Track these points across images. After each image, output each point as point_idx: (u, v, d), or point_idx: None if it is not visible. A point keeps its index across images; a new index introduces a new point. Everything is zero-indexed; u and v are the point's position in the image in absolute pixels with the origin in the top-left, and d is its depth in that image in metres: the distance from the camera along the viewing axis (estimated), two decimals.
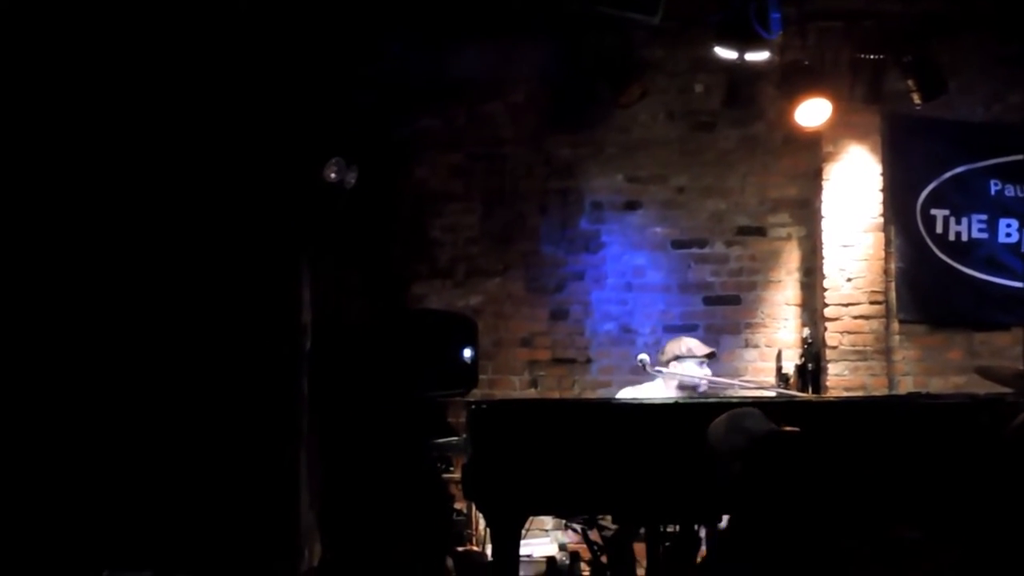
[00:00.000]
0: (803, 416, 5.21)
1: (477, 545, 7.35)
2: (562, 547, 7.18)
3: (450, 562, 6.99)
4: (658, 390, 6.91)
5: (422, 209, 8.57)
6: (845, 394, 7.89)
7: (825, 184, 8.22)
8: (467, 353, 7.48)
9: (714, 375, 7.81)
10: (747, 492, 3.97)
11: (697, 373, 6.82)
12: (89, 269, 6.60)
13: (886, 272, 8.20)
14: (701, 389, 6.83)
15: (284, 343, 7.03)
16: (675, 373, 6.81)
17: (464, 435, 6.43)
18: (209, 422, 6.63)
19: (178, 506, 6.51)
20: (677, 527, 5.68)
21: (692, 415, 5.61)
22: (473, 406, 5.66)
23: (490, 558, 5.94)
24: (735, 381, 7.66)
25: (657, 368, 6.73)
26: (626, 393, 7.02)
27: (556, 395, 8.24)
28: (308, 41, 7.02)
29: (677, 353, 6.88)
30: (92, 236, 6.63)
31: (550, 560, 6.97)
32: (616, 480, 5.16)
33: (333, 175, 7.16)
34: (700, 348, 6.90)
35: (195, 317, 6.73)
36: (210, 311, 6.74)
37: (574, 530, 6.62)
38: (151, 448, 6.54)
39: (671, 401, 6.51)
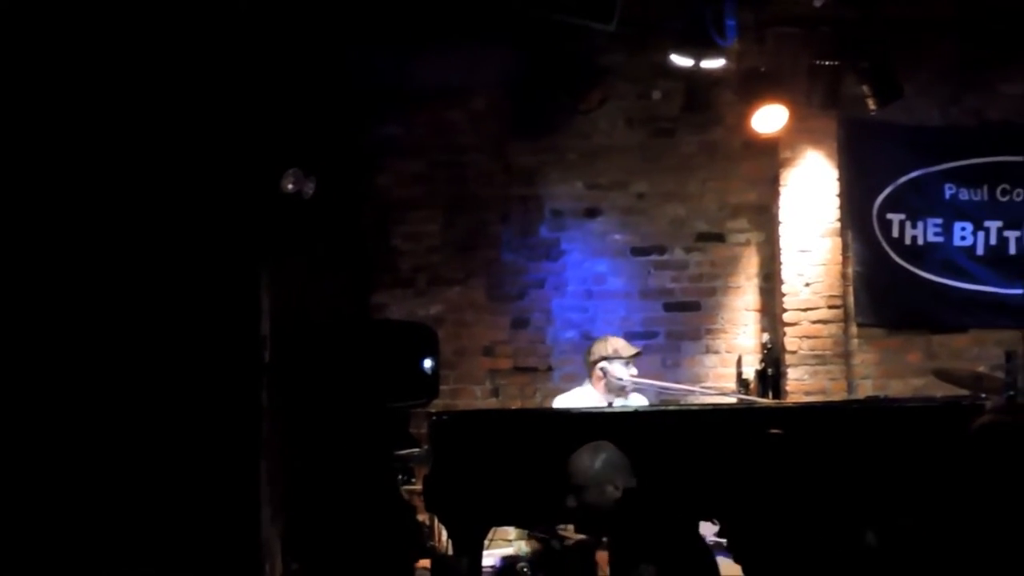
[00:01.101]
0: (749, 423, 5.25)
1: None
2: (523, 556, 7.13)
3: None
4: (588, 393, 6.90)
5: (384, 217, 8.54)
6: (805, 398, 7.90)
7: (783, 190, 8.21)
8: (428, 363, 7.41)
9: (676, 381, 7.93)
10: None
11: (623, 374, 6.81)
12: (40, 281, 6.48)
13: (844, 276, 8.19)
14: (628, 389, 6.83)
15: (243, 355, 6.89)
16: (636, 380, 6.80)
17: (425, 446, 6.42)
18: (165, 436, 6.53)
19: (134, 521, 6.41)
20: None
21: (652, 423, 5.67)
22: (434, 417, 5.67)
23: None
24: (696, 388, 7.70)
25: (616, 377, 6.71)
26: (560, 401, 7.03)
27: (518, 404, 8.24)
28: (267, 48, 6.94)
29: (604, 354, 6.88)
30: (42, 246, 6.51)
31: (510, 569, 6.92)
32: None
33: (291, 186, 7.08)
34: (626, 348, 6.91)
35: (151, 330, 6.63)
36: (167, 324, 6.64)
37: (537, 540, 6.58)
38: (105, 463, 6.43)
39: (632, 409, 6.53)
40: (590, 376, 6.91)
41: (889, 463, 5.22)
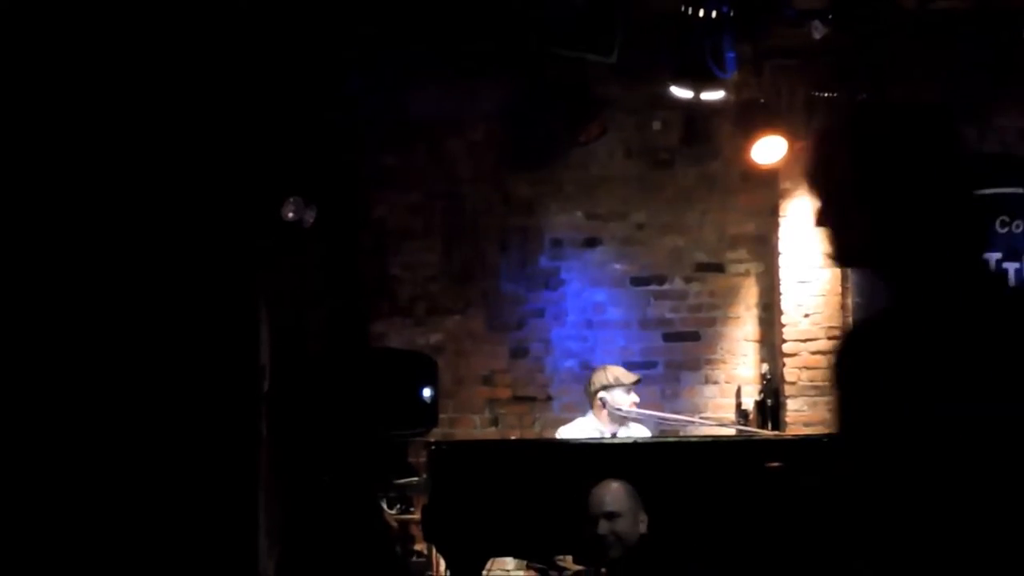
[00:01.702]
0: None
1: None
2: None
3: None
4: (590, 423, 6.87)
5: (382, 247, 8.52)
6: (804, 430, 7.86)
7: (782, 220, 8.19)
8: (427, 392, 7.41)
9: (674, 411, 7.91)
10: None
11: (624, 401, 6.78)
12: (37, 308, 6.44)
13: (843, 307, 8.14)
14: (632, 416, 6.81)
15: (242, 384, 6.90)
16: (635, 411, 6.78)
17: (424, 475, 6.39)
18: (163, 464, 6.49)
19: (131, 548, 6.36)
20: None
21: (651, 454, 5.64)
22: (433, 446, 5.64)
23: None
24: (695, 418, 7.69)
25: (615, 407, 6.68)
26: (563, 432, 6.99)
27: (517, 433, 8.21)
28: (267, 77, 6.95)
29: (604, 383, 6.85)
30: (39, 273, 6.47)
31: None
32: (576, 520, 5.06)
33: (291, 214, 7.10)
34: (626, 376, 6.88)
35: (150, 358, 6.60)
36: (166, 353, 6.62)
37: (535, 570, 6.56)
38: (103, 490, 6.39)
39: (631, 441, 6.51)
40: (591, 406, 6.87)
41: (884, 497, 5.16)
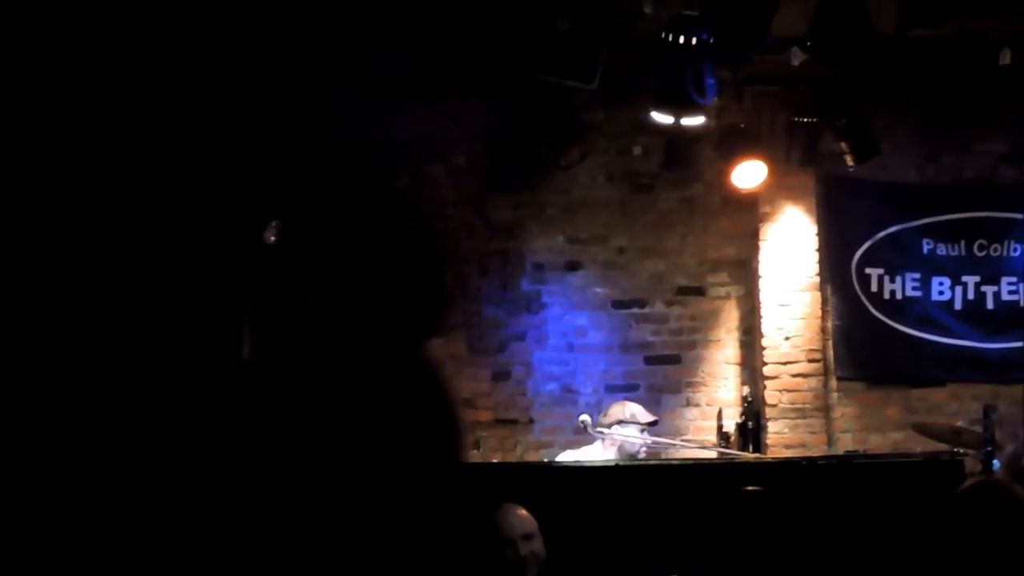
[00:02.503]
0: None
1: None
2: None
3: None
4: (597, 453, 6.83)
5: None
6: (785, 452, 7.90)
7: (762, 244, 8.25)
8: None
9: (656, 435, 7.77)
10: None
11: (637, 440, 6.71)
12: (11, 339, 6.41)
13: (823, 330, 8.24)
14: (641, 455, 6.75)
15: (223, 407, 6.88)
16: (616, 435, 6.75)
17: None
18: (143, 491, 6.48)
19: (113, 557, 6.33)
20: None
21: (638, 478, 5.63)
22: None
23: None
24: (676, 441, 7.67)
25: (598, 429, 6.68)
26: (567, 456, 6.96)
27: (499, 456, 8.17)
28: (250, 99, 6.97)
29: (620, 418, 6.78)
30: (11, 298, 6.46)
31: None
32: (563, 544, 5.00)
33: (273, 238, 7.09)
34: (644, 415, 6.80)
35: (131, 382, 6.59)
36: (146, 376, 6.62)
37: None
38: (73, 532, 6.36)
39: (612, 463, 6.48)
40: (603, 437, 6.78)
41: (867, 521, 5.20)
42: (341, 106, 7.69)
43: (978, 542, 3.57)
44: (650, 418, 6.84)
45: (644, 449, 6.74)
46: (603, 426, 6.82)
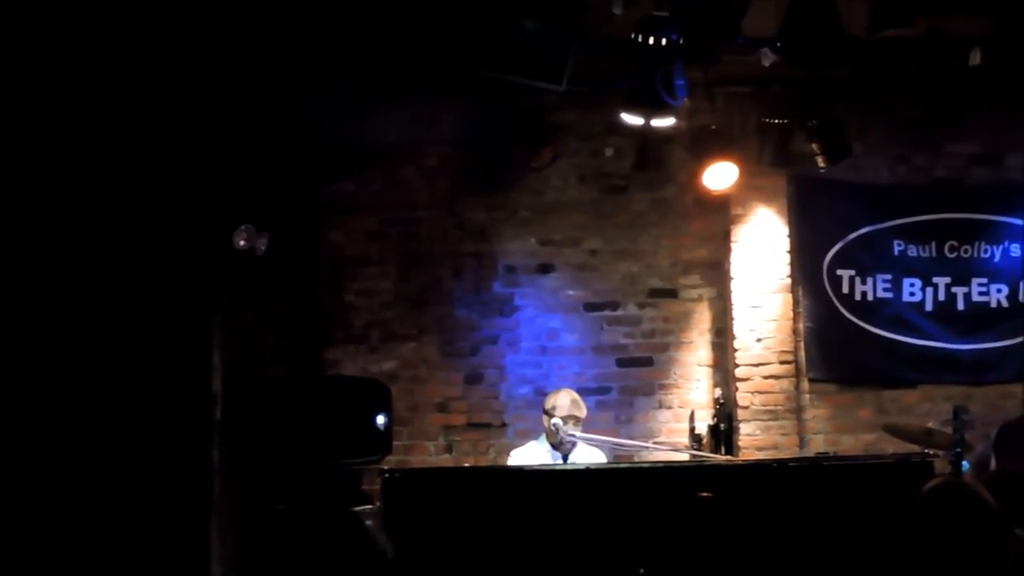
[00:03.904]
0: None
1: None
2: None
3: None
4: (541, 447, 6.83)
5: (337, 273, 8.48)
6: (757, 454, 7.89)
7: (734, 246, 8.25)
8: (381, 420, 7.41)
9: (629, 437, 7.96)
10: None
11: (563, 431, 6.59)
12: None
13: (795, 332, 8.23)
14: (567, 442, 6.65)
15: (194, 412, 6.84)
16: (594, 438, 6.74)
17: (378, 503, 6.34)
18: (117, 493, 6.41)
19: None
20: None
21: (608, 481, 5.59)
22: (386, 474, 5.56)
23: None
24: (648, 443, 7.68)
25: (570, 434, 6.64)
26: (513, 456, 6.95)
27: (472, 460, 8.17)
28: (220, 101, 6.91)
29: (545, 407, 6.82)
30: None
31: None
32: (534, 548, 5.09)
33: (243, 242, 7.05)
34: (564, 408, 6.71)
35: (101, 386, 6.51)
36: (117, 382, 6.54)
37: None
38: (51, 522, 6.29)
39: (587, 467, 6.44)
40: (574, 441, 6.71)
41: (837, 522, 5.18)
42: (313, 109, 7.67)
43: (941, 542, 3.57)
44: (571, 413, 6.72)
45: (574, 439, 6.61)
46: (544, 411, 6.81)
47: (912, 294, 8.30)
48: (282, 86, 7.31)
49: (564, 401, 6.76)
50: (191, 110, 6.80)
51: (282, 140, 7.70)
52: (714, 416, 8.07)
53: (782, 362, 8.13)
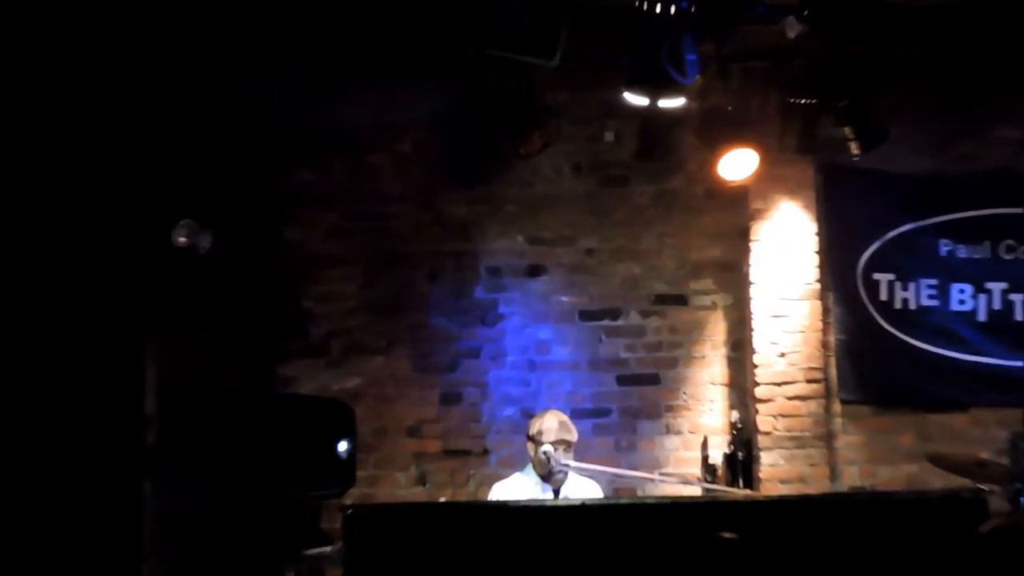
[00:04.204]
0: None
1: None
2: None
3: None
4: (528, 480, 6.82)
5: (294, 276, 8.51)
6: (781, 487, 7.87)
7: (753, 245, 8.24)
8: (342, 446, 7.37)
9: (631, 467, 7.98)
10: None
11: (553, 457, 6.57)
12: None
13: (824, 346, 8.21)
14: (557, 473, 6.67)
15: (123, 438, 6.76)
16: (590, 468, 6.72)
17: (339, 543, 6.31)
18: (30, 535, 6.32)
19: None
20: None
21: (607, 519, 5.54)
22: (349, 510, 5.50)
23: None
24: (653, 475, 7.60)
25: (564, 463, 6.59)
26: (496, 490, 6.94)
27: (448, 494, 8.17)
28: (156, 78, 6.86)
29: (530, 432, 6.82)
30: None
31: None
32: None
33: (183, 239, 7.03)
34: (553, 432, 6.70)
35: (11, 407, 6.43)
36: (32, 402, 6.46)
37: None
38: None
39: (583, 503, 6.39)
40: (565, 471, 6.72)
41: (874, 570, 5.11)
42: (268, 87, 7.65)
43: None
44: (562, 436, 6.70)
45: (564, 467, 6.59)
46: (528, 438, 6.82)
47: (962, 302, 8.28)
48: (231, 61, 7.27)
49: (551, 424, 6.74)
50: (118, 85, 6.75)
51: (230, 122, 7.68)
52: (730, 443, 8.06)
53: (809, 380, 8.10)
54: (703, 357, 8.42)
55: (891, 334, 8.24)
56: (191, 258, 7.10)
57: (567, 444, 6.69)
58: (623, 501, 6.67)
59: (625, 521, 5.50)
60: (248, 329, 8.27)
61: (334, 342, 8.44)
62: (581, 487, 6.83)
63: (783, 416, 8.07)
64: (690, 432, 8.30)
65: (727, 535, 4.55)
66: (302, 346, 8.41)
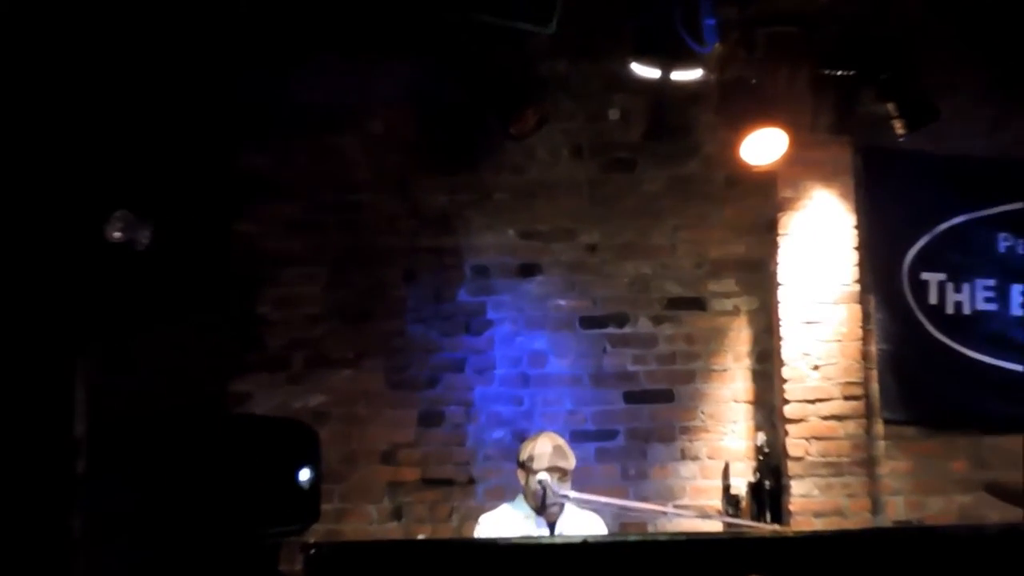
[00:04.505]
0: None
1: None
2: None
3: None
4: (518, 513, 6.76)
5: (249, 277, 8.46)
6: (814, 522, 7.84)
7: (782, 240, 8.23)
8: (304, 475, 7.29)
9: (640, 498, 8.01)
10: None
11: (551, 488, 6.51)
12: None
13: (865, 357, 8.19)
14: (554, 510, 6.63)
15: (49, 466, 6.80)
16: (592, 499, 6.58)
17: None
18: None
19: None
20: None
21: (612, 558, 5.51)
22: (312, 549, 5.47)
23: None
24: (667, 508, 7.62)
25: (563, 493, 6.52)
26: (484, 522, 6.88)
27: (428, 531, 8.11)
28: (82, 44, 6.85)
29: (521, 458, 6.77)
30: None
31: None
32: None
33: (118, 233, 7.01)
34: (546, 458, 6.65)
35: None
36: None
37: None
38: None
39: (585, 540, 6.34)
40: (561, 502, 6.67)
41: None
42: (218, 58, 7.73)
43: None
44: (559, 463, 6.65)
45: (560, 499, 6.54)
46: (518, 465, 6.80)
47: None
48: (174, 28, 7.26)
49: (544, 448, 6.68)
50: (34, 48, 6.77)
51: (174, 98, 7.66)
52: (756, 471, 8.06)
53: (847, 397, 8.07)
54: (724, 370, 8.41)
55: (942, 343, 8.23)
56: (127, 256, 7.11)
57: (562, 472, 6.65)
58: (631, 538, 6.60)
59: (634, 561, 5.46)
60: (194, 339, 8.20)
61: (295, 354, 8.40)
62: (581, 522, 6.79)
63: (817, 439, 8.05)
64: (709, 458, 8.29)
65: None
66: (257, 358, 8.37)
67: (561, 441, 6.78)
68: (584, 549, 5.82)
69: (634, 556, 5.63)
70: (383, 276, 8.47)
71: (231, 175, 8.43)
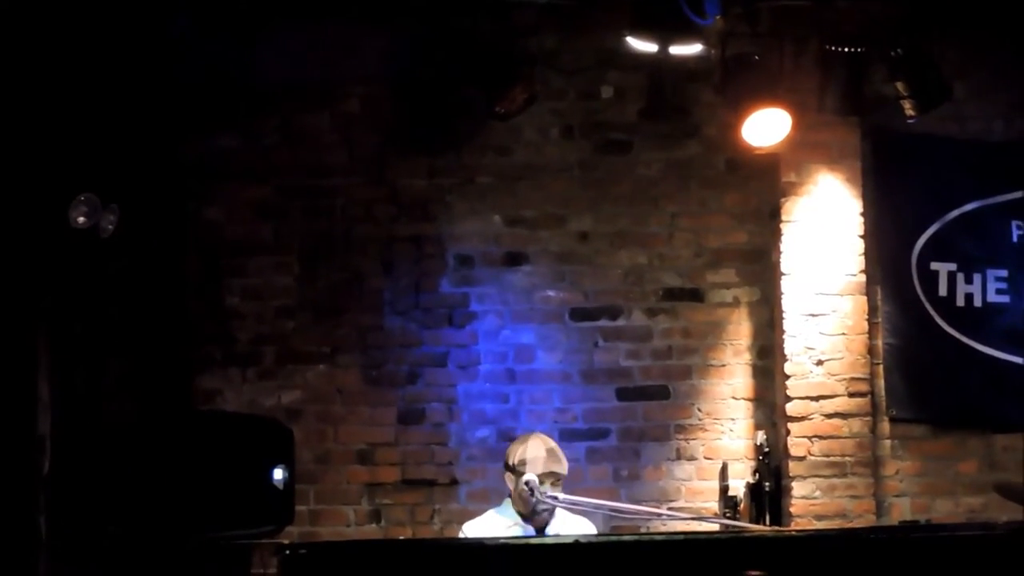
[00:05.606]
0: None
1: None
2: None
3: None
4: (504, 518, 6.85)
5: (215, 266, 8.53)
6: (816, 525, 7.94)
7: (785, 228, 8.30)
8: (278, 475, 7.35)
9: (633, 500, 8.02)
10: None
11: (538, 491, 6.55)
12: None
13: (871, 352, 8.28)
14: (540, 510, 6.69)
15: (13, 465, 6.88)
16: (583, 502, 6.71)
17: None
18: None
19: None
20: None
21: (605, 560, 5.68)
22: (286, 552, 5.60)
23: None
24: (661, 510, 7.74)
25: (549, 495, 6.68)
26: (467, 532, 6.95)
27: (408, 532, 8.22)
28: (44, 30, 6.95)
29: (510, 462, 6.80)
30: None
31: None
32: None
33: (82, 219, 7.05)
34: (539, 463, 6.68)
35: None
36: None
37: None
38: None
39: (576, 540, 6.49)
40: (549, 506, 6.68)
41: None
42: (180, 31, 7.70)
43: None
44: (553, 468, 6.70)
45: (550, 503, 6.60)
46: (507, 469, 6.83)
47: None
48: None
49: (536, 452, 6.74)
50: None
51: (135, 74, 7.68)
52: (755, 471, 8.18)
53: (852, 394, 8.19)
54: (723, 366, 8.52)
55: (952, 337, 8.32)
56: (91, 243, 7.14)
57: (556, 478, 6.69)
58: (626, 538, 6.49)
59: (628, 562, 5.67)
60: (160, 332, 8.28)
61: (265, 348, 8.48)
62: (571, 526, 6.84)
63: (820, 438, 8.16)
64: (706, 458, 8.39)
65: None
66: (225, 353, 8.45)
67: (554, 444, 6.79)
68: (577, 550, 6.02)
69: (629, 556, 5.82)
70: (359, 266, 8.53)
71: (196, 157, 8.47)
